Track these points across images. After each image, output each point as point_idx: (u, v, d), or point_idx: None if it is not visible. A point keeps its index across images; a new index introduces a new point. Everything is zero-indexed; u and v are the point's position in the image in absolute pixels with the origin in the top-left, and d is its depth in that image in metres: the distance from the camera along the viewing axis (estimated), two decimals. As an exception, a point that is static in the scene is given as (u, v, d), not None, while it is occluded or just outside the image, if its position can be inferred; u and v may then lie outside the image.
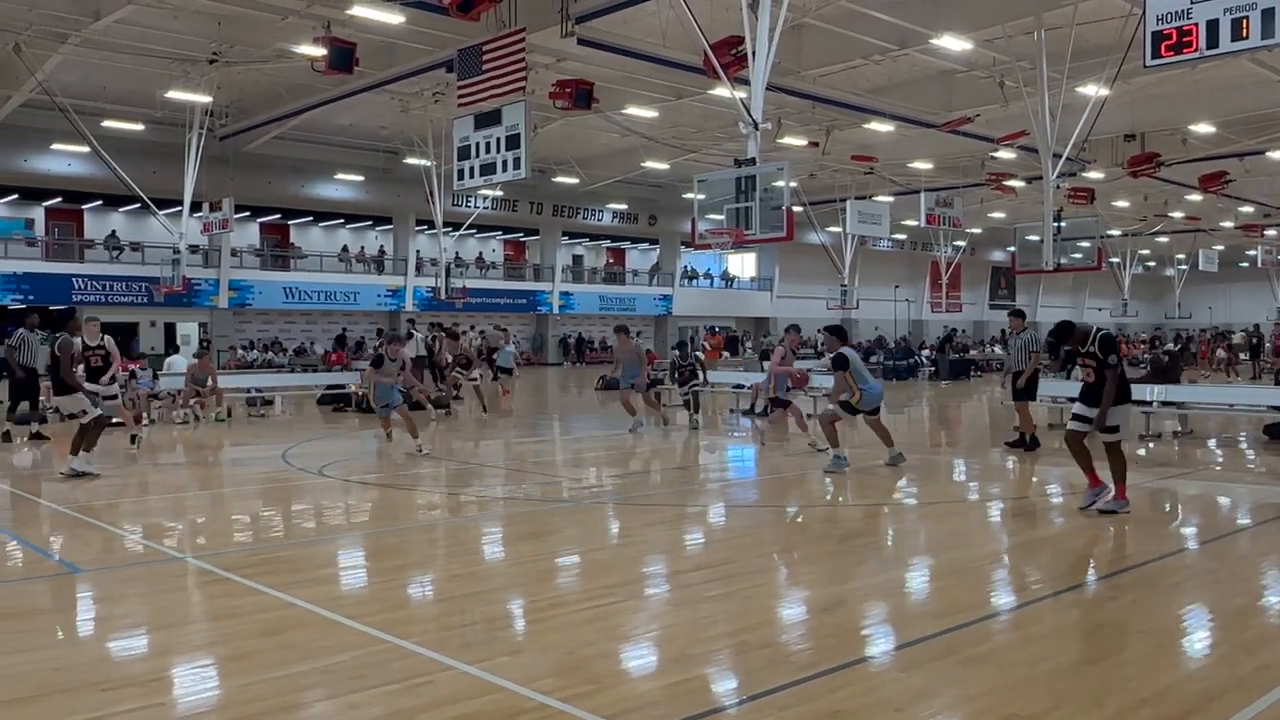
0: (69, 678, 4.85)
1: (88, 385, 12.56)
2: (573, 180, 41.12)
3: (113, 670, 5.11)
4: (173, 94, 27.12)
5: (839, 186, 40.69)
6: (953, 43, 22.60)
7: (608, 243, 54.40)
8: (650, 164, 37.93)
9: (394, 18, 20.70)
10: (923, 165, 36.83)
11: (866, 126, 31.19)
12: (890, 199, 41.49)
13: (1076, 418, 9.04)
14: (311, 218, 43.42)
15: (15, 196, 36.54)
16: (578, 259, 52.52)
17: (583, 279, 50.61)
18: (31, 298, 32.89)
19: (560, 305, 47.52)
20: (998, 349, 42.77)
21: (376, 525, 9.24)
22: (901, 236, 55.43)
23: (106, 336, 13.46)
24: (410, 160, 35.59)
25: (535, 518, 8.86)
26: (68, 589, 6.80)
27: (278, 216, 42.00)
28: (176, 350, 29.62)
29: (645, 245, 54.34)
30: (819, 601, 6.34)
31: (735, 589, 6.54)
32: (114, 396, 13.63)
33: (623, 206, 47.75)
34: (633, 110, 29.68)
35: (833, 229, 44.83)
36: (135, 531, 8.49)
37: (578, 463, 13.99)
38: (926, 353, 40.72)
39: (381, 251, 43.97)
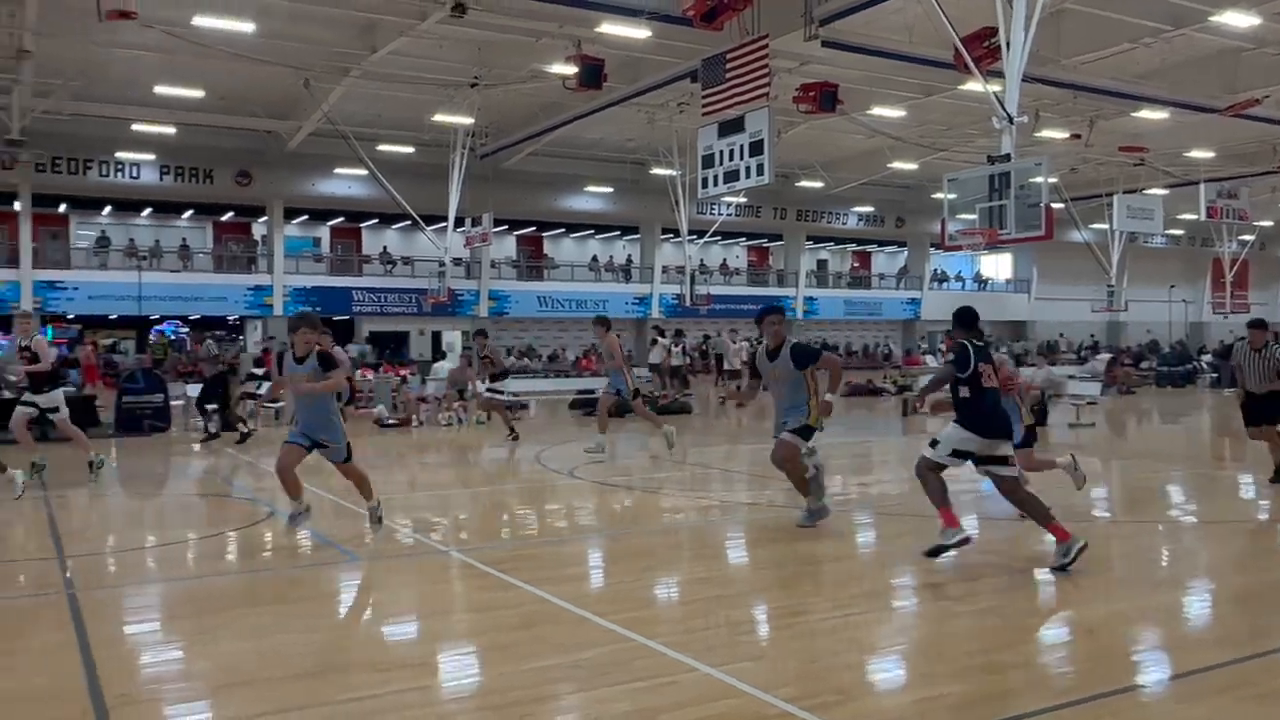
0: (346, 657, 5.28)
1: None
2: (817, 184, 40.68)
3: (385, 653, 5.51)
4: (438, 117, 29.14)
5: (1104, 180, 37.99)
6: (1237, 18, 20.64)
7: (853, 246, 53.44)
8: (897, 164, 36.94)
9: (640, 32, 21.25)
10: (1202, 154, 33.84)
11: (1135, 115, 28.99)
12: (1164, 192, 38.34)
13: None
14: (563, 229, 45.39)
15: (305, 217, 40.34)
16: (822, 263, 51.91)
17: (827, 283, 49.96)
18: (319, 309, 36.11)
19: (804, 310, 47.11)
20: (1206, 359, 37.47)
21: (623, 526, 9.49)
22: (1177, 232, 51.17)
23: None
24: (656, 171, 36.37)
25: (778, 524, 8.82)
26: (347, 575, 7.40)
27: (533, 229, 44.21)
28: (443, 357, 31.60)
29: (892, 248, 52.97)
30: (1082, 622, 5.94)
31: (987, 605, 6.24)
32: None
33: (868, 209, 46.76)
34: (879, 110, 29.02)
35: (1097, 226, 41.92)
36: (406, 525, 9.12)
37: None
38: (1207, 358, 37.29)
39: (629, 260, 45.20)
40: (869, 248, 53.90)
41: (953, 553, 7.15)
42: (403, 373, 22.83)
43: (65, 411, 11.70)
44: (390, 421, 19.28)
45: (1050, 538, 7.04)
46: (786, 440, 8.40)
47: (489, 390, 17.40)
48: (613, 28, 20.97)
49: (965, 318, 7.60)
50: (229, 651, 5.35)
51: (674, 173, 33.75)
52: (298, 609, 6.32)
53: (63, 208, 37.79)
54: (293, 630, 5.75)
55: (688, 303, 37.46)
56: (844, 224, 47.47)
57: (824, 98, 23.18)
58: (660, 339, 29.61)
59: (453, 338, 40.10)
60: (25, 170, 30.08)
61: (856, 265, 54.39)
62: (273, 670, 5.04)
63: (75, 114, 28.70)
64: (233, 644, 5.48)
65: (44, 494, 10.74)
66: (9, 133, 27.42)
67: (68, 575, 7.08)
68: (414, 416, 19.76)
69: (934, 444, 7.23)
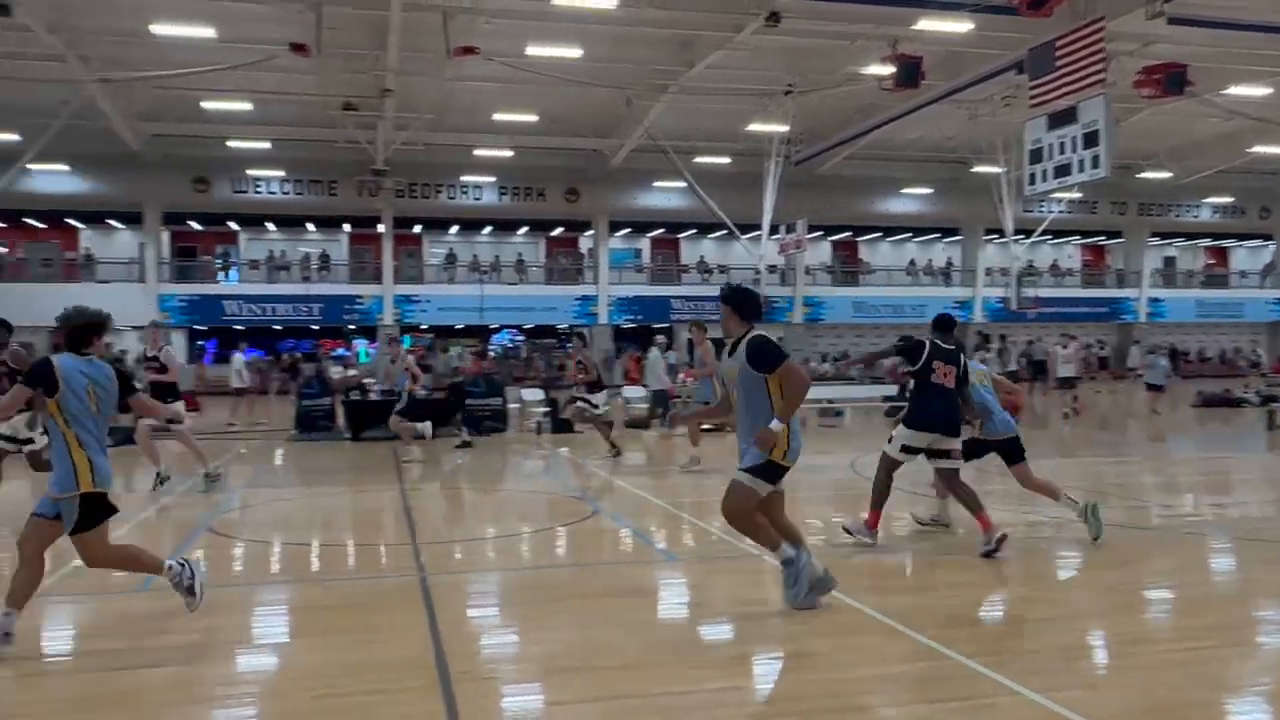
0: (664, 653, 5.45)
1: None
2: (1163, 174, 37.25)
3: (700, 652, 5.65)
4: (753, 127, 29.54)
5: None
6: None
7: (1206, 241, 48.37)
8: (1260, 149, 33.05)
9: (961, 26, 20.45)
10: None
11: None
12: None
13: None
14: (880, 233, 44.45)
15: (627, 230, 42.24)
16: (1169, 261, 47.38)
17: (1175, 283, 45.54)
18: (640, 317, 37.70)
19: (1149, 313, 43.22)
20: None
21: (940, 538, 9.13)
22: None
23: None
24: (978, 169, 34.82)
25: (1117, 545, 8.13)
26: (667, 574, 7.65)
27: (848, 233, 43.65)
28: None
29: (1255, 242, 47.40)
30: None
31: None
32: None
33: (1226, 200, 42.18)
34: (1237, 90, 26.11)
35: None
36: (719, 527, 9.31)
37: (1170, 487, 12.60)
38: None
39: (949, 263, 43.51)
40: (1226, 243, 48.55)
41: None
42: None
43: (188, 424, 11.98)
44: (707, 427, 19.68)
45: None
46: (735, 485, 6.03)
47: (580, 401, 15.17)
48: (931, 24, 20.34)
49: (941, 322, 8.11)
50: (559, 639, 5.69)
51: (998, 170, 32.18)
52: (621, 604, 6.61)
53: (417, 229, 41.91)
54: (617, 624, 6.02)
55: (1013, 306, 35.52)
56: (1195, 217, 43.16)
57: (1170, 80, 21.18)
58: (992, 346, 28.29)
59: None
60: (387, 196, 33.66)
61: (1212, 262, 49.17)
62: (598, 659, 5.31)
63: (428, 144, 31.82)
64: (562, 632, 5.83)
65: (401, 486, 11.95)
66: (374, 164, 30.86)
67: (421, 560, 7.83)
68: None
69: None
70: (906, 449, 7.87)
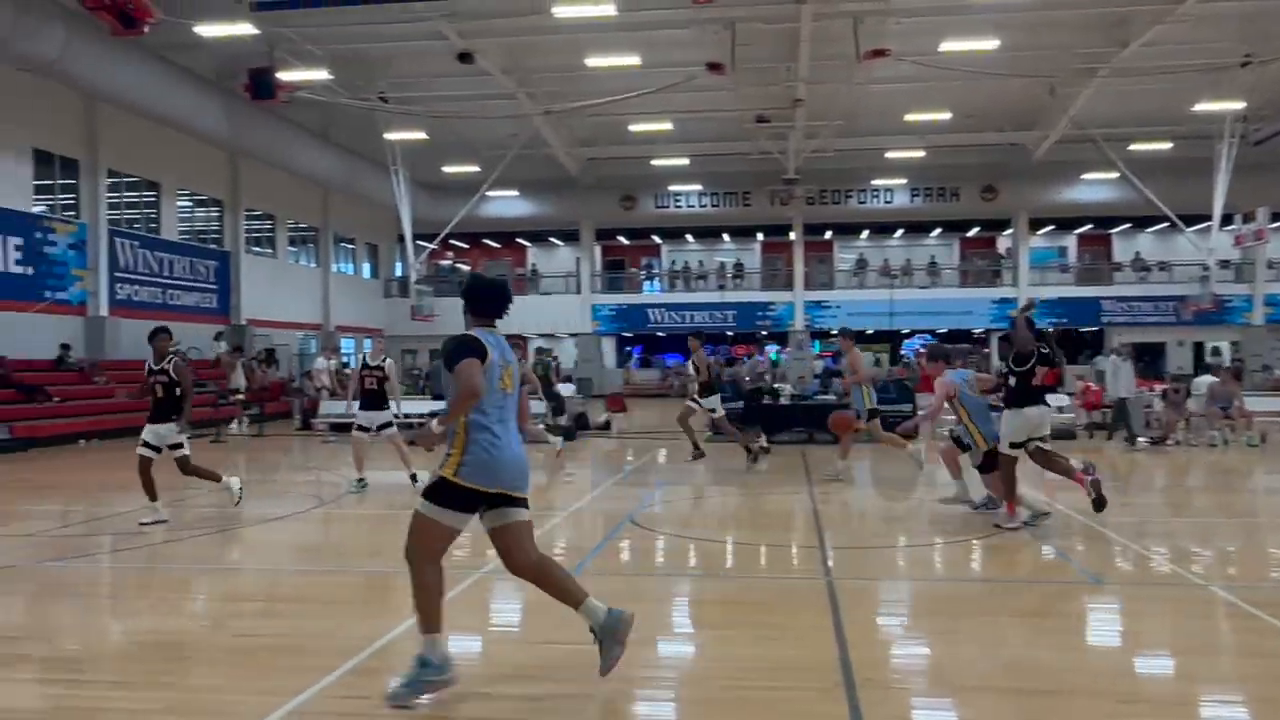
0: (1088, 681, 5.03)
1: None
2: None
3: (1133, 684, 5.15)
4: (1200, 106, 26.42)
5: None
6: None
7: None
8: None
9: None
10: None
11: None
12: None
13: None
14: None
15: (1050, 227, 39.58)
16: None
17: None
18: (1064, 320, 35.15)
19: None
20: None
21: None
22: None
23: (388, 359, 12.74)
24: None
25: None
26: (1090, 598, 7.06)
27: (1322, 221, 37.63)
28: (1207, 370, 28.54)
29: None
30: None
31: None
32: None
33: None
34: None
35: None
36: (1161, 552, 8.44)
37: None
38: None
39: None
40: None
41: None
42: (1160, 388, 21.10)
43: (394, 429, 12.46)
44: (1145, 441, 17.92)
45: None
46: (414, 514, 4.84)
47: (691, 401, 14.91)
48: None
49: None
50: (972, 655, 5.46)
51: None
52: (1040, 624, 6.21)
53: (827, 234, 42.17)
54: (1036, 645, 5.67)
55: None
56: None
57: None
58: None
59: (1221, 348, 36.00)
60: (798, 204, 34.19)
61: None
62: (1016, 681, 5.02)
63: (838, 149, 31.93)
64: (976, 648, 5.59)
65: (809, 489, 12.07)
66: (786, 173, 31.49)
67: (828, 564, 7.87)
68: (1170, 435, 18.12)
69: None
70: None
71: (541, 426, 16.31)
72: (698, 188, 37.45)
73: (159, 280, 26.30)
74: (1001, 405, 9.45)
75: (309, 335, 34.15)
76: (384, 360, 12.65)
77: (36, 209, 22.60)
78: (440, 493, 4.70)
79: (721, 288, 40.91)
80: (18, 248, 21.62)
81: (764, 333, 40.17)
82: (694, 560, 8.49)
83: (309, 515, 10.70)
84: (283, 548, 9.22)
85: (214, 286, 28.88)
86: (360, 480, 12.24)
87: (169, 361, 9.73)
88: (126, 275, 25.11)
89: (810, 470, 14.16)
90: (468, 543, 9.40)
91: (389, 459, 12.88)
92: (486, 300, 4.93)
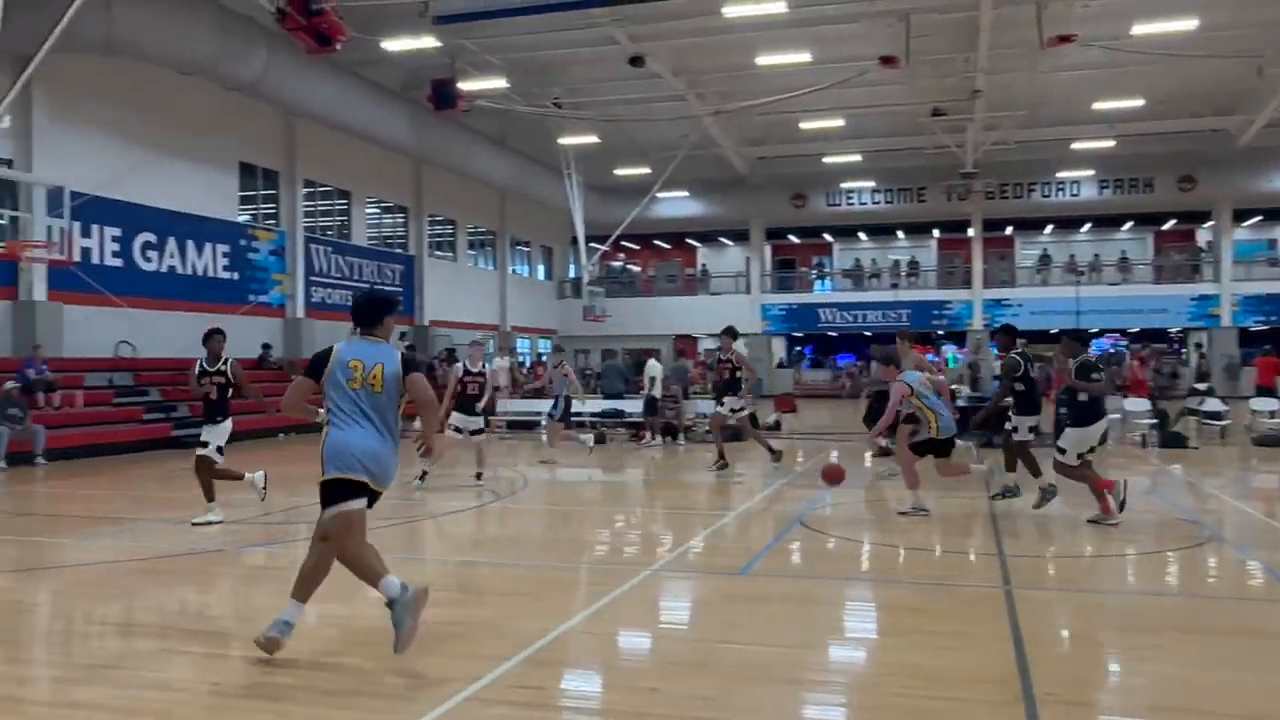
0: (1300, 709, 4.66)
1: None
2: None
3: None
4: None
5: None
6: None
7: None
8: None
9: None
10: None
11: None
12: None
13: None
14: None
15: (1258, 219, 36.82)
16: None
17: None
18: (1274, 318, 32.66)
19: None
20: None
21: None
22: None
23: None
24: None
25: None
26: (1303, 617, 6.53)
27: None
28: None
29: None
30: None
31: None
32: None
33: None
34: None
35: None
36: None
37: None
38: None
39: None
40: None
41: None
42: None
43: (484, 435, 13.19)
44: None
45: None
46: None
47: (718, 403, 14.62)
48: None
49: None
50: (1165, 674, 5.15)
51: None
52: (1243, 644, 5.78)
53: (1008, 230, 40.54)
54: (1239, 666, 5.28)
55: None
56: None
57: None
58: None
59: None
60: (977, 199, 33.04)
61: None
62: (1215, 704, 4.69)
63: (1020, 141, 30.64)
64: (1169, 667, 5.26)
65: (986, 494, 11.62)
66: (963, 167, 30.46)
67: (1007, 572, 7.56)
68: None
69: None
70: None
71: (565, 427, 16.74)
72: (870, 184, 36.71)
73: (349, 283, 27.76)
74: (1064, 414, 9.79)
75: (487, 335, 35.34)
76: (483, 366, 13.29)
77: (241, 218, 24.27)
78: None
79: (895, 286, 39.94)
80: (225, 254, 23.29)
81: (939, 332, 39.00)
82: (866, 564, 8.32)
83: (485, 510, 11.06)
84: (460, 540, 9.57)
85: (399, 289, 30.26)
86: (478, 475, 12.86)
87: (225, 363, 9.92)
88: (320, 279, 26.65)
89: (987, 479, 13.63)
90: (638, 540, 9.53)
91: (565, 455, 13.17)
92: (355, 312, 5.60)
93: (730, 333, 14.79)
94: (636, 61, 22.90)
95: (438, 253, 33.13)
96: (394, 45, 21.19)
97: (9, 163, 13.78)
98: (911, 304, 38.34)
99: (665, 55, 23.82)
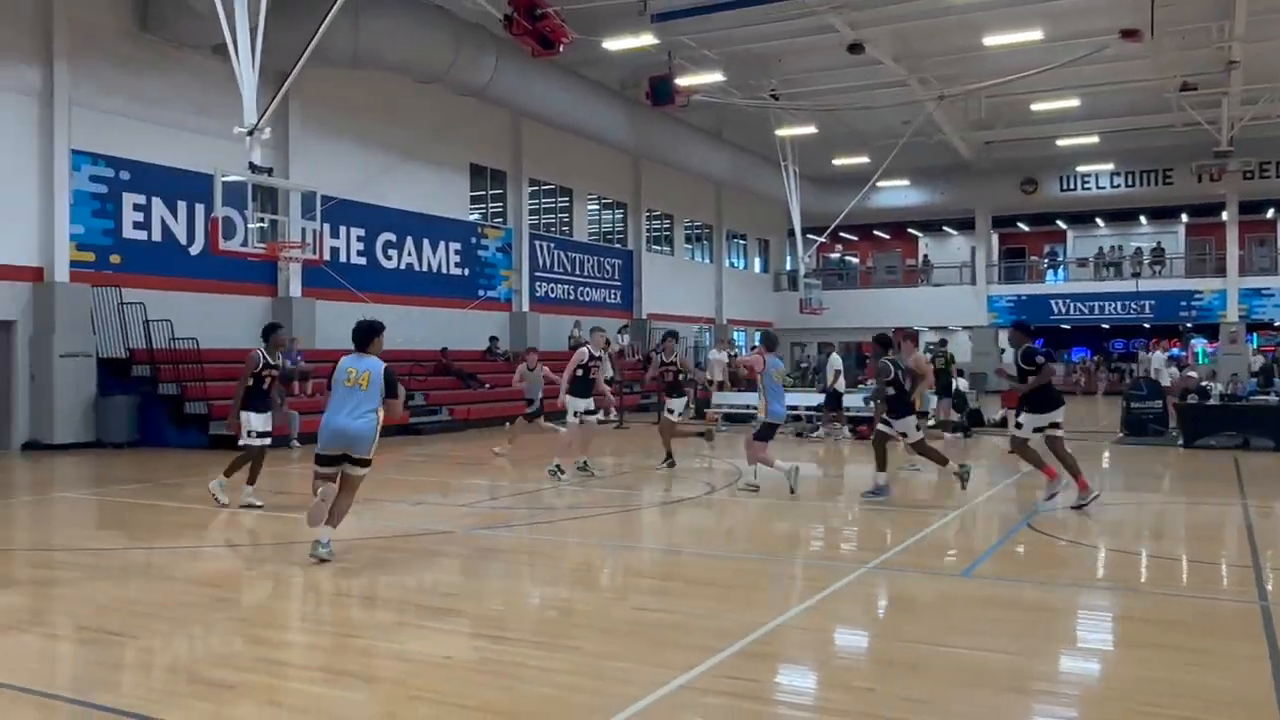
0: None
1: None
2: None
3: None
4: None
5: None
6: None
7: None
8: None
9: None
10: None
11: None
12: None
13: None
14: None
15: None
16: None
17: None
18: None
19: None
20: None
21: None
22: None
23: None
24: None
25: None
26: None
27: None
28: None
29: None
30: None
31: None
32: None
33: None
34: None
35: None
36: None
37: None
38: None
39: None
40: None
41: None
42: None
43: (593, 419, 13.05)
44: None
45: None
46: None
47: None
48: None
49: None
50: None
51: None
52: None
53: (1269, 213, 37.10)
54: None
55: None
56: None
57: None
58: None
59: None
60: (1232, 180, 30.37)
61: None
62: None
63: (1282, 115, 27.97)
64: None
65: (1243, 501, 10.69)
66: (1217, 145, 28.05)
67: (1265, 585, 6.92)
68: None
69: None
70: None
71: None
72: (1109, 167, 34.44)
73: (571, 279, 28.67)
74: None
75: (703, 328, 35.61)
76: (606, 351, 13.57)
77: (472, 217, 25.52)
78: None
79: (1136, 275, 37.32)
80: (457, 252, 24.59)
81: (1188, 325, 36.12)
82: (1101, 571, 7.84)
83: (701, 501, 11.16)
84: (676, 530, 9.71)
85: (618, 283, 30.97)
86: (668, 460, 13.49)
87: (279, 358, 10.27)
88: (543, 274, 27.66)
89: (1244, 480, 12.55)
90: (854, 537, 9.36)
91: (783, 453, 13.08)
92: (354, 336, 7.70)
93: (674, 335, 15.08)
94: (855, 49, 22.42)
95: (655, 247, 33.65)
96: (614, 44, 21.66)
97: (269, 170, 15.13)
98: (1155, 294, 35.72)
99: (885, 40, 23.20)
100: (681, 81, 22.85)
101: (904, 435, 11.07)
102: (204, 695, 4.62)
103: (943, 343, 20.58)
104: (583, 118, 24.74)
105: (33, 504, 10.87)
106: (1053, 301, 37.55)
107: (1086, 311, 36.92)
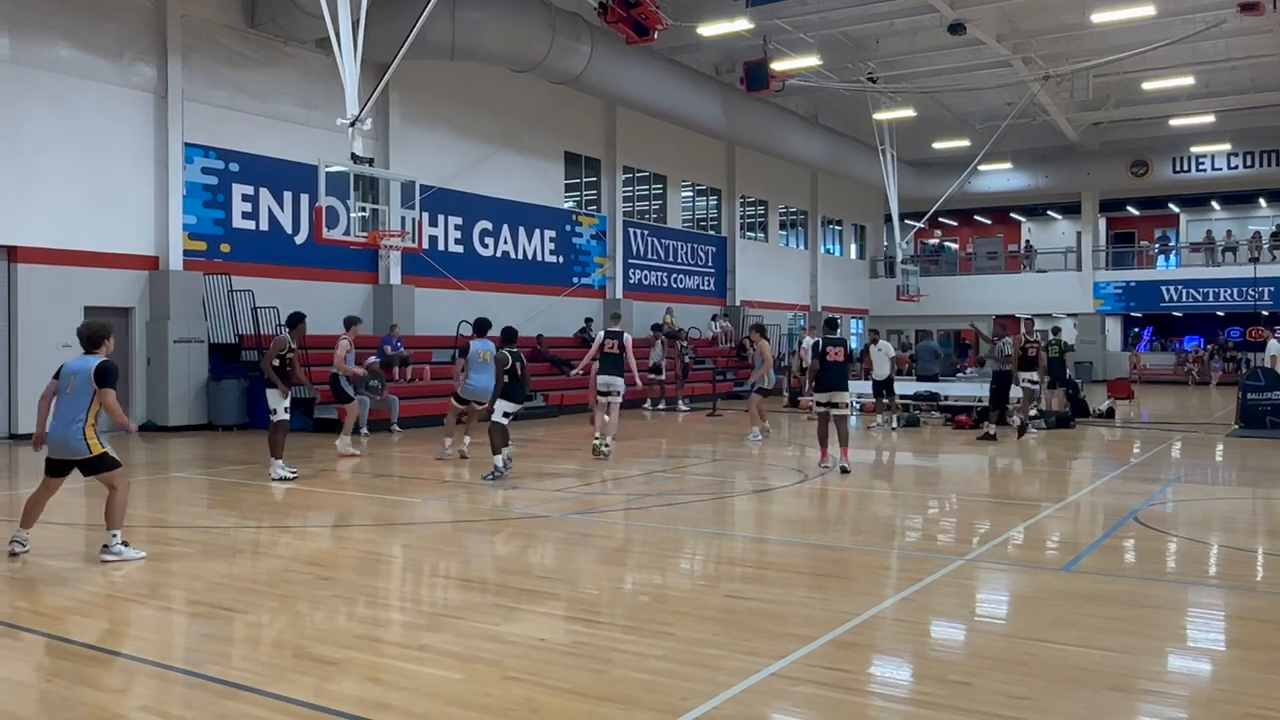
0: None
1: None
2: None
3: None
4: None
5: None
6: None
7: None
8: None
9: None
10: None
11: None
12: None
13: None
14: None
15: None
16: None
17: None
18: None
19: None
20: None
21: None
22: None
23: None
24: None
25: None
26: None
27: None
28: None
29: None
30: None
31: None
32: None
33: None
34: None
35: None
36: None
37: None
38: None
39: None
40: None
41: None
42: None
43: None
44: None
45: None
46: None
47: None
48: None
49: (829, 322, 12.78)
50: None
51: None
52: None
53: (1403, 194, 35.10)
54: None
55: None
56: None
57: None
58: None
59: None
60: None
61: None
62: None
63: None
64: None
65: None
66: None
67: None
68: None
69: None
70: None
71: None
72: (1226, 147, 32.98)
73: (664, 265, 28.69)
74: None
75: (797, 315, 35.28)
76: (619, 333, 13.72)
77: (566, 204, 25.72)
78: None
79: (1254, 260, 35.69)
80: (552, 239, 24.82)
81: (1310, 312, 34.43)
82: (1213, 568, 7.54)
83: (793, 489, 11.09)
84: (768, 517, 9.66)
85: (711, 270, 30.88)
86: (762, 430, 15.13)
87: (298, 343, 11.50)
88: (637, 261, 27.73)
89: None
90: (952, 528, 9.18)
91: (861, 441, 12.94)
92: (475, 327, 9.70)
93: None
94: (957, 29, 21.90)
95: (749, 234, 33.44)
96: (709, 30, 21.55)
97: (370, 160, 15.50)
98: (1274, 280, 34.13)
99: (988, 20, 22.59)
100: (777, 66, 22.63)
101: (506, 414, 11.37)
102: (308, 670, 4.77)
103: (1056, 330, 19.96)
104: (677, 104, 24.70)
105: (149, 483, 11.36)
106: (1163, 288, 36.19)
107: (1200, 298, 35.48)
